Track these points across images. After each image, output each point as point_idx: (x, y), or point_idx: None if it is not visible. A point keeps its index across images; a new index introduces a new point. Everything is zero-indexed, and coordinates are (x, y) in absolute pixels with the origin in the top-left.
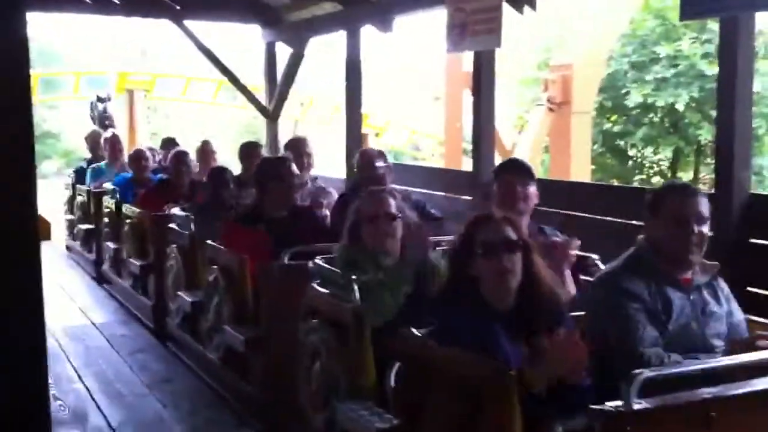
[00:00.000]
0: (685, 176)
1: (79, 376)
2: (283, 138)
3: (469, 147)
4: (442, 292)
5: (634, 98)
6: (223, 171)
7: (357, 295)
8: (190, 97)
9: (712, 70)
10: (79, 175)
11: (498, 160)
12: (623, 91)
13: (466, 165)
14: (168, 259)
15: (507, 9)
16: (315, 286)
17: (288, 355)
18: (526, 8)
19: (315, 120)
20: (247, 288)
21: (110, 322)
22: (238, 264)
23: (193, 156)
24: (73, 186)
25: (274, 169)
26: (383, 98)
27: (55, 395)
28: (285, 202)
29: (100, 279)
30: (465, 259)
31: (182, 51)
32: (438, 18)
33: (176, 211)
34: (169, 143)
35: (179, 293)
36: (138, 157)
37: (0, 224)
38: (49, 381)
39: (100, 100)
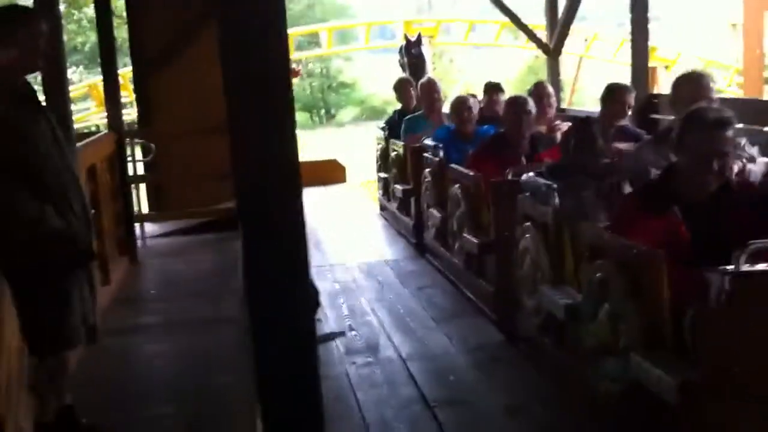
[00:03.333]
0: None
1: (373, 310)
2: (564, 76)
3: None
4: None
5: None
6: (590, 124)
7: None
8: (472, 40)
9: None
10: (393, 128)
11: None
12: None
13: None
14: (521, 240)
15: None
16: None
17: None
18: None
19: (599, 56)
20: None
21: (400, 259)
22: (648, 266)
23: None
24: (386, 140)
25: (707, 130)
26: (673, 29)
27: (351, 326)
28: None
29: (420, 248)
30: None
31: None
32: None
33: (530, 176)
34: (492, 89)
35: (545, 290)
36: (461, 106)
37: (269, 167)
38: (346, 313)
39: (410, 44)
